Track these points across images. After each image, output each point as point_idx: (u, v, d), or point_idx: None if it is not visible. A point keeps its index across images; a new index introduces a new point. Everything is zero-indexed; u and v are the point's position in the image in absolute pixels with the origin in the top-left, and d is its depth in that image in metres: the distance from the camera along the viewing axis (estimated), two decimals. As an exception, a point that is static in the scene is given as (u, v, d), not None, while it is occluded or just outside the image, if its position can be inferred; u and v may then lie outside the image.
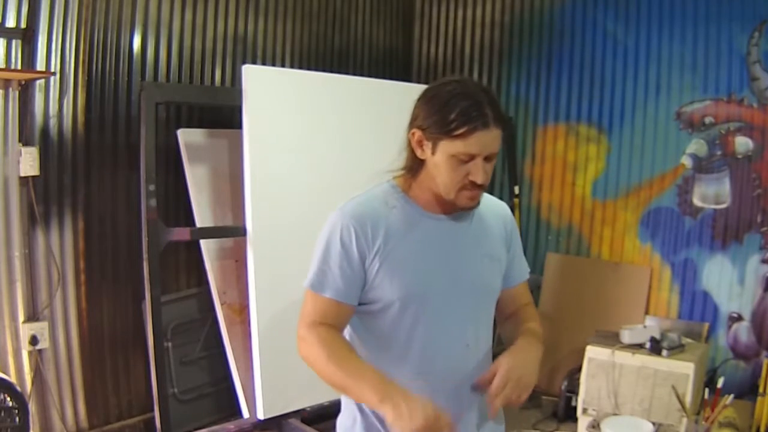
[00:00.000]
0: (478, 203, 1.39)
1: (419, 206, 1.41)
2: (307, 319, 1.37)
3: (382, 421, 1.38)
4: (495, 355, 1.50)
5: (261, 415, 2.77)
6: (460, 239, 1.42)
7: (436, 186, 1.36)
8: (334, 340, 1.35)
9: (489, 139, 1.30)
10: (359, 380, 1.29)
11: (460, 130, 1.28)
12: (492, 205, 1.53)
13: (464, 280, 1.40)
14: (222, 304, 3.07)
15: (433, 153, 1.34)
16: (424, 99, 1.37)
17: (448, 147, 1.31)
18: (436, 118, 1.31)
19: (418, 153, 1.37)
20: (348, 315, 1.39)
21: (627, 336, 3.18)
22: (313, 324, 1.36)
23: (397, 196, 1.41)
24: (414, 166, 1.39)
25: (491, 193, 1.57)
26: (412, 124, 1.37)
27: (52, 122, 2.76)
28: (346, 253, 1.35)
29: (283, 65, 3.67)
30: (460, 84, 1.34)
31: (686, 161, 3.57)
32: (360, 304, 1.39)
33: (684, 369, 2.96)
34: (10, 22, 2.60)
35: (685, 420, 2.89)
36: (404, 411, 1.21)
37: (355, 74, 3.94)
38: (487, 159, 1.33)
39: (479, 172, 1.31)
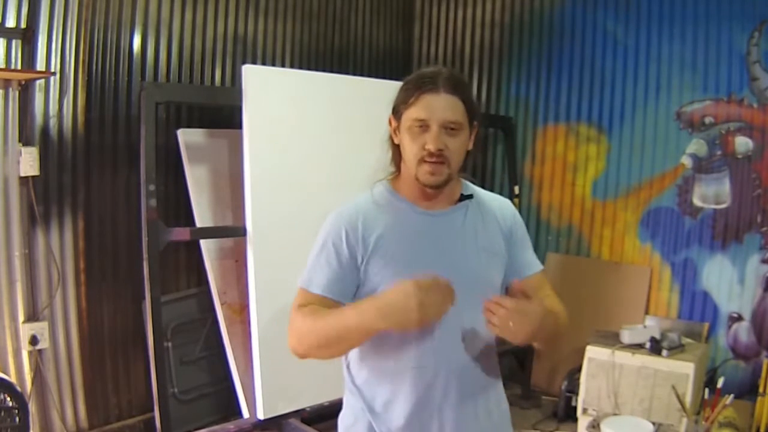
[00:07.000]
0: (444, 181, 1.38)
1: (410, 202, 1.43)
2: (292, 310, 1.39)
3: (381, 419, 1.39)
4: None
5: (261, 415, 2.77)
6: (453, 233, 1.43)
7: (408, 169, 1.39)
8: (318, 308, 1.36)
9: (438, 103, 1.33)
10: (355, 315, 1.28)
11: (412, 98, 1.34)
12: (491, 200, 1.53)
13: (460, 274, 1.38)
14: (222, 304, 3.07)
15: (399, 131, 1.39)
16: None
17: (406, 120, 1.36)
18: (399, 95, 1.39)
19: (395, 139, 1.42)
20: None
21: (627, 336, 3.18)
22: (297, 309, 1.39)
23: (388, 195, 1.44)
24: (395, 156, 1.45)
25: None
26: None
27: (52, 122, 2.76)
28: (337, 252, 1.38)
29: (283, 65, 3.67)
30: (429, 68, 1.41)
31: (686, 161, 3.57)
32: None
33: (684, 369, 2.96)
34: (10, 22, 2.60)
35: (685, 420, 2.89)
36: (410, 316, 1.21)
37: (355, 74, 3.93)
38: (448, 130, 1.34)
39: (432, 140, 1.33)
